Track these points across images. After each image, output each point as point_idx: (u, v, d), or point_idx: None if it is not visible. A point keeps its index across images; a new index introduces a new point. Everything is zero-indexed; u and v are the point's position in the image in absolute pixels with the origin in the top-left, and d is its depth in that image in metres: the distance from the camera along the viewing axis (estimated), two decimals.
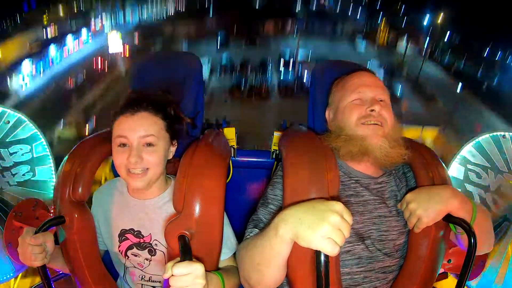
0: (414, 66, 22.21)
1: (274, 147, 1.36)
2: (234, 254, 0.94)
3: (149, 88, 0.99)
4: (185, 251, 0.73)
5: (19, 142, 1.36)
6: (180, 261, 0.69)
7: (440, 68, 23.42)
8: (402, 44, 25.96)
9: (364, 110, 0.93)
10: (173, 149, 0.99)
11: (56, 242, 0.94)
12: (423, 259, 0.89)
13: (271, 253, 0.73)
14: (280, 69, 22.20)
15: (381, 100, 0.96)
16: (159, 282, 0.98)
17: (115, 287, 1.02)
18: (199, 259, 0.71)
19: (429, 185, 0.92)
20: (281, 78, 21.02)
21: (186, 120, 1.01)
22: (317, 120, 1.16)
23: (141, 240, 0.97)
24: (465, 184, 1.44)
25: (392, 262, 0.91)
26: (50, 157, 1.42)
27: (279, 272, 0.78)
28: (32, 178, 1.38)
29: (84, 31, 25.14)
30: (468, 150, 1.44)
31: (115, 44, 21.62)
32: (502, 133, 1.38)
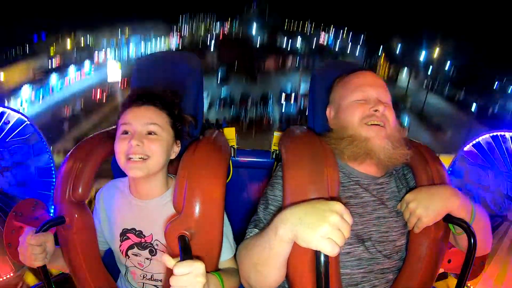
0: (416, 98, 23.50)
1: (274, 147, 1.36)
2: (234, 256, 0.94)
3: (155, 87, 1.00)
4: (185, 251, 0.73)
5: (19, 142, 1.36)
6: (180, 261, 0.69)
7: (443, 99, 25.09)
8: (403, 77, 27.83)
9: (367, 110, 0.93)
10: (176, 149, 0.99)
11: (57, 242, 0.94)
12: (423, 259, 0.89)
13: (270, 253, 0.73)
14: (282, 102, 22.16)
15: (384, 102, 0.95)
16: (161, 280, 0.98)
17: (115, 287, 1.02)
18: (199, 259, 0.72)
19: (428, 184, 0.92)
20: (283, 111, 20.80)
21: (189, 119, 1.02)
22: (317, 120, 1.16)
23: (142, 240, 0.97)
24: (465, 184, 1.44)
25: (391, 264, 0.91)
26: (50, 157, 1.42)
27: (278, 272, 0.77)
28: (32, 178, 1.38)
29: (87, 63, 26.94)
30: (468, 150, 1.44)
31: (114, 73, 21.89)
32: (502, 133, 1.38)
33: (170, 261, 0.69)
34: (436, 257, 0.90)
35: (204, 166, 0.86)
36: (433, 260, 0.90)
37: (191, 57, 1.25)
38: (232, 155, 1.33)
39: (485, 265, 1.27)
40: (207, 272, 0.71)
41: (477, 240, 0.81)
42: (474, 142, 1.43)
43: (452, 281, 1.23)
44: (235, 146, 1.37)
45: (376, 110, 0.92)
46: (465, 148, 1.45)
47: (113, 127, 1.01)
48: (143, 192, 0.97)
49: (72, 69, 25.09)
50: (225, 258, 0.92)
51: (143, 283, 1.00)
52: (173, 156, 0.98)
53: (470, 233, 0.81)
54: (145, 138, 0.89)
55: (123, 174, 0.97)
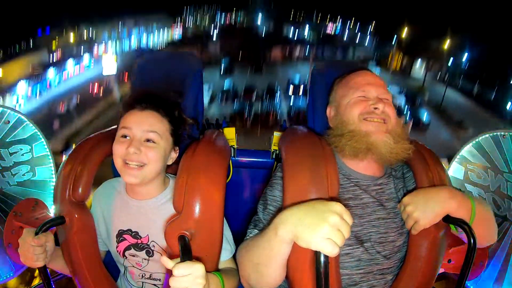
0: (432, 91, 21.04)
1: (274, 147, 1.36)
2: (233, 256, 0.94)
3: (158, 88, 0.99)
4: (185, 251, 0.73)
5: (19, 142, 1.36)
6: (180, 261, 0.69)
7: (460, 93, 22.52)
8: (416, 69, 25.21)
9: (368, 106, 0.93)
10: (174, 155, 0.99)
11: (57, 243, 0.94)
12: (423, 259, 0.89)
13: (270, 254, 0.73)
14: (290, 95, 19.53)
15: (384, 99, 0.95)
16: (159, 280, 0.98)
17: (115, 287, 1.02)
18: (199, 260, 0.72)
19: (428, 185, 0.92)
20: (291, 104, 18.26)
21: (190, 121, 1.02)
22: (317, 120, 1.16)
23: (139, 241, 0.97)
24: (465, 184, 1.43)
25: (390, 264, 0.91)
26: (50, 157, 1.41)
27: (278, 272, 0.78)
28: (32, 178, 1.37)
29: (86, 56, 26.36)
30: (468, 150, 1.44)
31: (110, 66, 21.41)
32: (502, 133, 1.38)
33: (169, 263, 0.69)
34: (436, 257, 0.90)
35: (204, 166, 0.86)
36: (433, 260, 0.90)
37: (192, 56, 1.25)
38: (232, 155, 1.33)
39: (485, 265, 1.27)
40: (207, 272, 0.71)
41: (479, 234, 0.81)
42: (474, 142, 1.43)
43: (452, 281, 1.23)
44: (235, 146, 1.37)
45: (376, 108, 0.92)
46: (465, 148, 1.45)
47: (114, 127, 1.01)
48: (139, 193, 0.97)
49: (70, 62, 24.46)
50: (224, 258, 0.92)
51: (143, 282, 1.00)
52: (170, 162, 0.98)
53: (470, 234, 0.81)
54: (143, 146, 0.89)
55: None
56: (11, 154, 1.35)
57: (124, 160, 0.88)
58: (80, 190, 0.93)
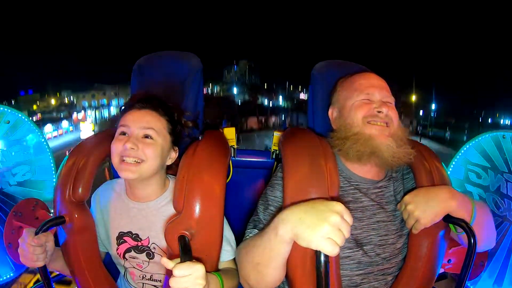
0: None
1: (274, 147, 1.36)
2: (234, 258, 0.94)
3: (159, 88, 1.01)
4: (185, 251, 0.73)
5: (19, 142, 1.36)
6: (180, 261, 0.69)
7: (433, 141, 24.94)
8: None
9: (372, 109, 0.93)
10: (173, 155, 0.99)
11: (57, 243, 0.94)
12: (423, 259, 0.89)
13: (270, 253, 0.73)
14: None
15: (388, 102, 0.95)
16: (160, 281, 0.98)
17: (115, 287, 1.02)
18: (199, 260, 0.72)
19: (428, 185, 0.92)
20: None
21: (189, 125, 1.02)
22: (317, 120, 1.16)
23: (139, 244, 0.96)
24: (465, 184, 1.43)
25: (391, 264, 0.91)
26: (50, 157, 1.42)
27: (278, 272, 0.77)
28: (32, 178, 1.38)
29: (65, 122, 29.24)
30: (468, 150, 1.44)
31: (87, 133, 22.82)
32: (502, 133, 1.38)
33: (169, 263, 0.69)
34: (436, 257, 0.90)
35: (204, 166, 0.86)
36: (433, 260, 0.90)
37: (192, 56, 1.25)
38: (232, 155, 1.33)
39: (485, 265, 1.27)
40: (207, 272, 0.71)
41: (478, 237, 0.81)
42: (474, 142, 1.43)
43: (452, 281, 1.23)
44: (235, 146, 1.37)
45: (379, 111, 0.92)
46: (465, 148, 1.45)
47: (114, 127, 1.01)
48: (139, 195, 0.97)
49: (48, 126, 26.37)
50: (225, 259, 0.92)
51: (143, 283, 1.00)
52: (169, 162, 0.98)
53: (470, 233, 0.81)
54: (141, 142, 0.89)
55: None
56: (11, 154, 1.35)
57: (122, 157, 0.88)
58: (80, 189, 0.93)
